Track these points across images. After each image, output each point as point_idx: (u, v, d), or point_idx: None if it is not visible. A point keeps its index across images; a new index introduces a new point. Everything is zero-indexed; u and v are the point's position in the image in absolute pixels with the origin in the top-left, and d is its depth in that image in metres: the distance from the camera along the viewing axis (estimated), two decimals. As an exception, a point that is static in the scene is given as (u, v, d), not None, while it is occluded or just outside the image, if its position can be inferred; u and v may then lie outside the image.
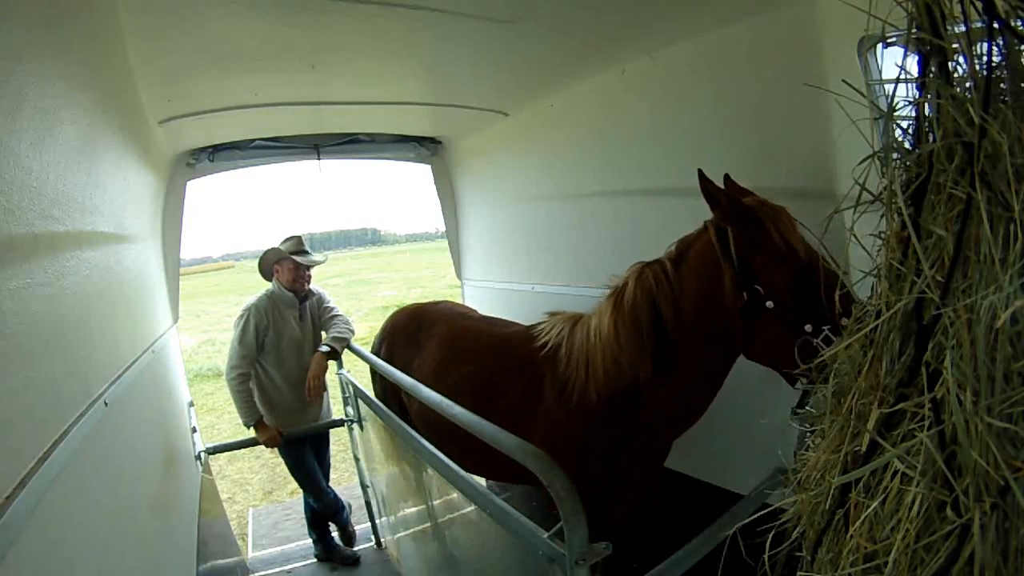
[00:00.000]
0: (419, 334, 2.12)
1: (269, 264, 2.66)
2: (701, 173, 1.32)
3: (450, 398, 1.50)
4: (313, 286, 2.78)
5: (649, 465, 1.63)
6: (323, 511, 2.93)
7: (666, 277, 1.43)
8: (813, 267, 1.17)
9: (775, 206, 1.31)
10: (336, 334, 2.63)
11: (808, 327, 1.21)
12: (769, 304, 1.27)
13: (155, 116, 2.02)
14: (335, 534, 3.06)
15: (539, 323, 1.81)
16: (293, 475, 2.87)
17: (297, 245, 2.68)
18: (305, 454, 2.79)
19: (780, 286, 1.26)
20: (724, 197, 1.31)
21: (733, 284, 1.31)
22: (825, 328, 1.16)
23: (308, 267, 2.65)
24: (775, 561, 0.87)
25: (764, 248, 1.27)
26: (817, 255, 1.17)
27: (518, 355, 1.75)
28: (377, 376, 2.29)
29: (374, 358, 2.20)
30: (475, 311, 2.45)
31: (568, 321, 1.68)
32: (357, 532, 3.15)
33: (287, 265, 2.63)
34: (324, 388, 2.74)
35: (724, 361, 1.46)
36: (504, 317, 2.49)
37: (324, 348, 2.58)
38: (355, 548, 3.04)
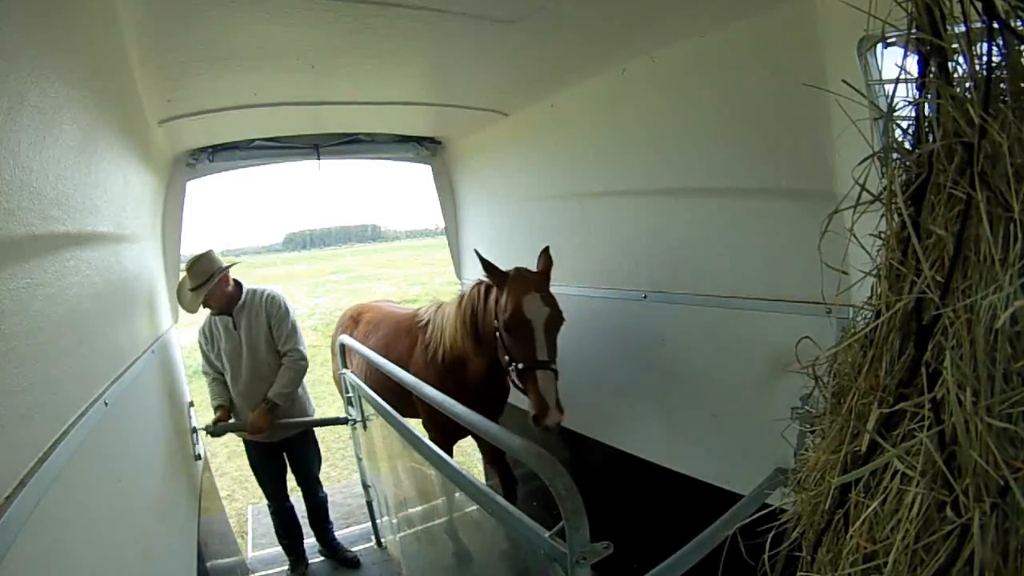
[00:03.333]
0: (358, 318, 3.11)
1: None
2: (477, 253, 2.15)
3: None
4: (261, 287, 2.66)
5: (483, 409, 2.27)
6: (273, 519, 2.87)
7: (480, 296, 2.25)
8: (515, 324, 1.98)
9: (523, 281, 2.06)
10: (279, 388, 2.54)
11: (506, 357, 2.05)
12: (498, 334, 2.09)
13: (155, 116, 2.02)
14: (310, 540, 3.02)
15: (421, 307, 2.79)
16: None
17: (189, 278, 2.46)
18: (264, 454, 2.73)
19: (500, 328, 2.06)
20: (491, 269, 2.12)
21: (494, 316, 2.12)
22: (517, 364, 1.99)
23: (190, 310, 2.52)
24: (775, 561, 0.87)
25: (498, 303, 2.08)
26: (524, 321, 1.96)
27: (405, 326, 2.73)
28: (345, 349, 2.85)
29: (370, 353, 2.45)
30: (396, 303, 3.44)
31: (435, 305, 2.61)
32: (357, 532, 3.15)
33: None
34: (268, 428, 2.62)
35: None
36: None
37: (266, 403, 2.52)
38: (355, 548, 3.04)
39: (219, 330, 2.59)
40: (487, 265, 2.12)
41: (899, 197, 0.71)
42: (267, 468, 2.77)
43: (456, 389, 2.21)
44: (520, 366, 1.98)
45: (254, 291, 2.62)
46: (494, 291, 2.15)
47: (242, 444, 2.89)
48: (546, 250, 2.16)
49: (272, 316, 2.58)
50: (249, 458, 2.79)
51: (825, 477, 0.80)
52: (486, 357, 2.25)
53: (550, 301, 2.03)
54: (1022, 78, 0.65)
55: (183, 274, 2.52)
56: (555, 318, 2.01)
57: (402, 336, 2.68)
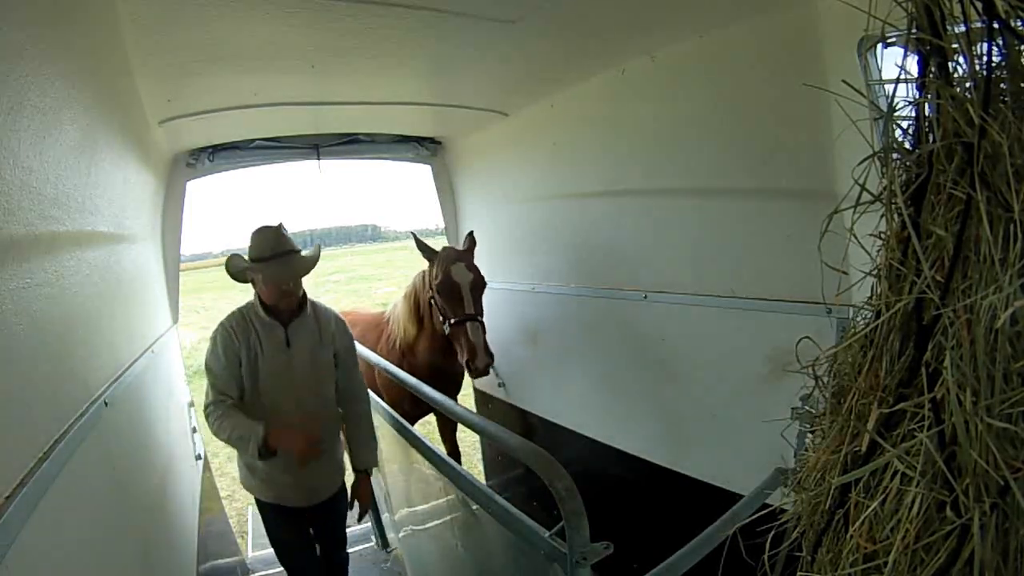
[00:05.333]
0: None
1: (240, 274, 1.83)
2: (414, 235, 2.71)
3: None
4: (317, 300, 1.95)
5: (435, 386, 2.43)
6: None
7: (420, 280, 2.69)
8: (445, 288, 2.46)
9: (450, 254, 2.57)
10: (371, 455, 2.05)
11: (440, 318, 2.50)
12: (432, 301, 2.55)
13: (155, 116, 2.02)
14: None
15: (391, 304, 3.15)
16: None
17: (262, 246, 1.78)
18: (291, 521, 1.93)
19: (434, 293, 2.52)
20: (423, 247, 2.62)
21: (428, 287, 2.59)
22: (449, 320, 2.45)
23: (289, 278, 1.79)
24: (775, 561, 0.87)
25: (431, 274, 2.56)
26: (453, 284, 2.46)
27: (375, 322, 3.13)
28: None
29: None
30: (371, 309, 3.90)
31: (396, 301, 2.97)
32: (358, 532, 3.14)
33: (258, 276, 1.79)
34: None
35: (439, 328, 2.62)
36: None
37: (362, 471, 2.02)
38: (356, 548, 3.04)
39: (260, 341, 1.80)
40: (420, 245, 2.62)
41: (899, 197, 0.71)
42: (295, 542, 1.97)
43: (410, 370, 2.58)
44: (452, 321, 2.43)
45: (315, 304, 1.93)
46: (429, 271, 2.61)
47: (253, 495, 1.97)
48: (470, 234, 2.68)
49: (340, 343, 1.93)
50: (268, 525, 1.96)
51: (825, 477, 0.80)
52: (429, 341, 2.69)
53: (473, 269, 2.53)
54: (1022, 78, 0.65)
55: (254, 239, 1.81)
56: (478, 281, 2.51)
57: (371, 330, 3.06)
